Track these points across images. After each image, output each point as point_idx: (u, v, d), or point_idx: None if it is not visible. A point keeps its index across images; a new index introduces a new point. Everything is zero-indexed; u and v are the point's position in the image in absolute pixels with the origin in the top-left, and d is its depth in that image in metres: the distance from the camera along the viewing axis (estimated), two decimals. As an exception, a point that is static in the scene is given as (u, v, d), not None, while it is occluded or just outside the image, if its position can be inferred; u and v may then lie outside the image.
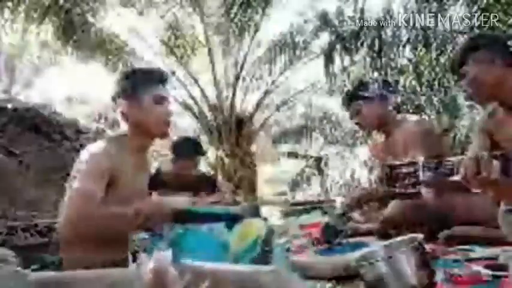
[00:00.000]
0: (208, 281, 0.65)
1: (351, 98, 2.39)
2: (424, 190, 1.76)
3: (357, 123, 2.44)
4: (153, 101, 1.57)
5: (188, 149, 3.05)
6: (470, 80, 1.65)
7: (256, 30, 7.11)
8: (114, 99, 1.62)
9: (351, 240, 2.01)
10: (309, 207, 2.92)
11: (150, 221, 1.37)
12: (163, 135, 1.65)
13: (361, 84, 2.44)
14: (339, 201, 2.54)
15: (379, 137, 2.48)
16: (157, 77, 1.63)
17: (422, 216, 1.85)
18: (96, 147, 1.54)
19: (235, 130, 7.48)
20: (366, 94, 2.31)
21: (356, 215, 2.33)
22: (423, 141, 2.07)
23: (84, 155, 1.50)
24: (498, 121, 1.69)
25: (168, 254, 0.87)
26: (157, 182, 2.55)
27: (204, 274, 0.66)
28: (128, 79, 1.61)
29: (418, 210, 1.86)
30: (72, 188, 1.41)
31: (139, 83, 1.59)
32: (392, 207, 1.99)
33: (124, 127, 1.62)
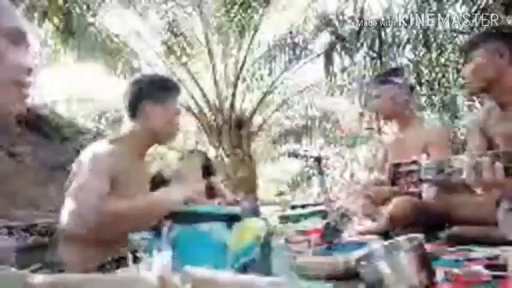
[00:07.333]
0: None
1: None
2: (424, 189, 1.76)
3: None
4: (174, 111, 1.62)
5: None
6: (474, 68, 1.66)
7: (256, 30, 7.10)
8: (135, 100, 1.61)
9: (351, 240, 2.01)
10: (307, 212, 2.92)
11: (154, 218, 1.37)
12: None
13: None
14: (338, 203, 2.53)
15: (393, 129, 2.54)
16: (176, 88, 1.68)
17: (423, 215, 1.85)
18: (98, 147, 1.53)
19: (235, 130, 7.47)
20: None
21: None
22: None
23: (86, 154, 1.49)
24: (494, 119, 1.70)
25: (168, 254, 0.87)
26: (158, 182, 2.56)
27: (206, 283, 0.65)
28: (156, 85, 1.62)
29: (420, 209, 1.86)
30: (75, 184, 1.39)
31: (167, 92, 1.63)
32: (396, 205, 1.98)
33: (126, 128, 1.61)
